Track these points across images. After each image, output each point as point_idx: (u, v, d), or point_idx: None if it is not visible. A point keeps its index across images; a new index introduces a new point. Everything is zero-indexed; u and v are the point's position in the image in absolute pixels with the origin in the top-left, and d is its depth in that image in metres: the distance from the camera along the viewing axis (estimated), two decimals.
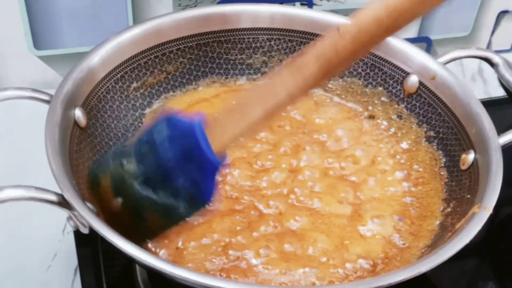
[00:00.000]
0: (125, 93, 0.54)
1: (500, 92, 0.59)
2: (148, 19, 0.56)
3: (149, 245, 0.45)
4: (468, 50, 0.57)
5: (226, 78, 0.60)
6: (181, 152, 0.39)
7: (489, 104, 0.52)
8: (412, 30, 0.81)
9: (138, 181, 0.40)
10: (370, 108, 0.58)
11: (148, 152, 0.40)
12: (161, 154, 0.39)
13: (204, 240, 0.45)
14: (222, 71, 0.60)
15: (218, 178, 0.42)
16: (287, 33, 0.59)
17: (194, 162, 0.39)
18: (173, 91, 0.58)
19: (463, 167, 0.49)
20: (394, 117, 0.57)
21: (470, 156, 0.49)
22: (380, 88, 0.58)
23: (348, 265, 0.45)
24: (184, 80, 0.59)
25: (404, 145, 0.56)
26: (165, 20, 0.56)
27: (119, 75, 0.53)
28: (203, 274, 0.37)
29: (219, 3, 0.62)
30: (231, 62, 0.60)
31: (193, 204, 0.41)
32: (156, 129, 0.40)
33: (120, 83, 0.54)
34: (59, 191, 0.40)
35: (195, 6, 0.70)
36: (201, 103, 0.57)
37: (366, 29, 0.34)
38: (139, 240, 0.41)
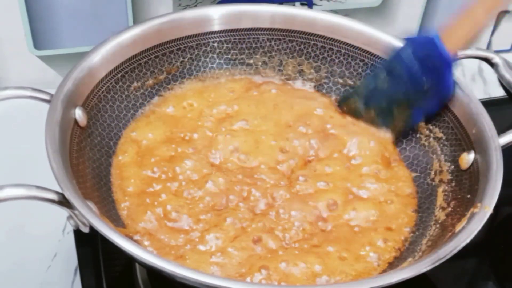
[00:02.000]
0: (126, 92, 0.54)
1: (500, 92, 0.59)
2: (148, 19, 0.56)
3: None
4: (468, 50, 0.57)
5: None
6: (424, 60, 0.51)
7: (489, 104, 0.52)
8: (412, 30, 0.81)
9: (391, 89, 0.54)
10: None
11: (398, 68, 0.53)
12: (409, 67, 0.52)
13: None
14: (222, 71, 0.60)
15: None
16: (287, 33, 0.59)
17: (435, 66, 0.51)
18: (174, 91, 0.58)
19: (463, 167, 0.50)
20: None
21: (470, 156, 0.49)
22: None
23: None
24: (185, 80, 0.59)
25: (404, 145, 0.56)
26: (165, 20, 0.56)
27: (119, 75, 0.53)
28: (203, 273, 0.37)
29: (219, 3, 0.62)
30: (231, 62, 0.60)
31: (441, 99, 0.53)
32: (402, 50, 0.53)
33: (120, 83, 0.54)
34: (59, 190, 0.40)
35: (195, 6, 0.70)
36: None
37: None
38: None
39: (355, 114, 0.56)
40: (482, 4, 0.50)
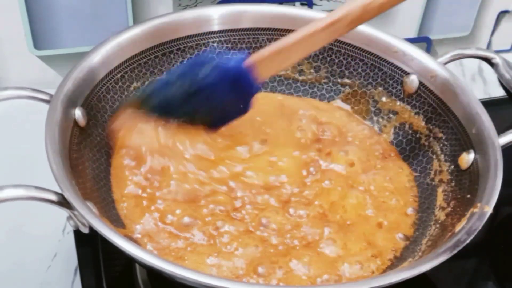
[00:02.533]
0: (125, 93, 0.54)
1: (500, 92, 0.59)
2: (148, 19, 0.56)
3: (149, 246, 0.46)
4: (468, 50, 0.57)
5: None
6: (225, 77, 0.49)
7: (489, 104, 0.52)
8: (412, 30, 0.81)
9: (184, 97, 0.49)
10: (370, 108, 0.58)
11: (195, 76, 0.49)
12: (208, 78, 0.49)
13: None
14: None
15: None
16: (287, 33, 0.59)
17: (236, 87, 0.49)
18: None
19: (463, 167, 0.50)
20: (394, 117, 0.57)
21: (470, 156, 0.49)
22: (380, 88, 0.58)
23: None
24: None
25: (404, 145, 0.56)
26: (165, 20, 0.56)
27: (119, 75, 0.53)
28: (203, 274, 0.37)
29: (219, 3, 0.62)
30: None
31: (232, 115, 0.51)
32: (201, 59, 0.51)
33: (120, 83, 0.54)
34: (59, 191, 0.40)
35: (195, 6, 0.70)
36: None
37: None
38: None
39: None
40: (296, 45, 0.48)
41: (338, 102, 0.60)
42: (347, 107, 0.60)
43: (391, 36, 0.57)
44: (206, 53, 0.55)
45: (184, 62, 0.54)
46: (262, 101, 0.55)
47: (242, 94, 0.50)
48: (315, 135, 0.55)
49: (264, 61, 0.49)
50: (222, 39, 0.59)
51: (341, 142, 0.55)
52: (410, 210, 0.51)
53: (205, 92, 0.49)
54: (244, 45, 0.59)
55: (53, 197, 0.40)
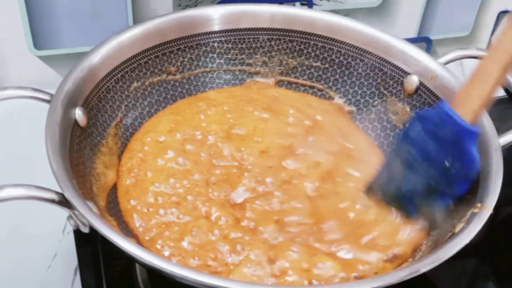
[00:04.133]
0: (126, 92, 0.54)
1: (500, 92, 0.59)
2: (148, 19, 0.56)
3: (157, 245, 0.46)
4: (468, 50, 0.57)
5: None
6: (439, 136, 0.44)
7: None
8: (412, 30, 0.81)
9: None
10: (370, 108, 0.58)
11: (409, 151, 0.46)
12: (423, 147, 0.45)
13: None
14: (222, 71, 0.60)
15: None
16: (287, 33, 0.59)
17: (452, 140, 0.44)
18: (173, 91, 0.58)
19: None
20: (394, 117, 0.57)
21: None
22: (380, 88, 0.58)
23: None
24: (185, 80, 0.59)
25: None
26: (165, 20, 0.56)
27: (119, 75, 0.53)
28: (203, 273, 0.37)
29: (219, 3, 0.62)
30: (231, 62, 0.60)
31: (464, 180, 0.45)
32: (410, 129, 0.46)
33: (120, 83, 0.54)
34: (59, 190, 0.40)
35: (195, 6, 0.70)
36: (203, 101, 0.58)
37: None
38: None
39: (384, 203, 0.49)
40: (493, 59, 0.42)
41: (338, 102, 0.60)
42: (347, 107, 0.60)
43: (391, 36, 0.57)
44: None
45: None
46: None
47: (458, 147, 0.44)
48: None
49: (464, 99, 0.43)
50: (222, 39, 0.59)
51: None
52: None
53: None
54: (244, 45, 0.59)
55: (54, 197, 0.40)
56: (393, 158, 0.48)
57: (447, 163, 0.44)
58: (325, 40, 0.59)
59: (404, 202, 0.47)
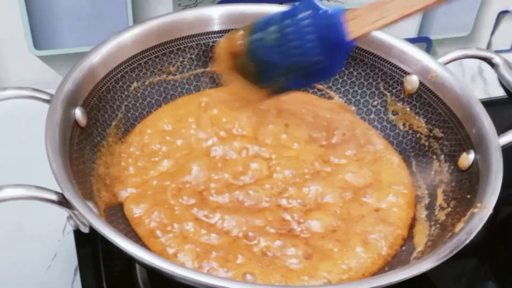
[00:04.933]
0: (126, 92, 0.54)
1: (500, 92, 0.59)
2: (148, 19, 0.56)
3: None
4: (468, 50, 0.57)
5: None
6: (320, 31, 0.47)
7: (489, 104, 0.52)
8: (412, 30, 0.81)
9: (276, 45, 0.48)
10: (370, 108, 0.58)
11: (294, 28, 0.48)
12: (302, 29, 0.47)
13: None
14: None
15: None
16: None
17: (329, 42, 0.47)
18: (173, 91, 0.58)
19: (463, 167, 0.50)
20: (394, 117, 0.57)
21: (470, 156, 0.49)
22: (380, 88, 0.58)
23: None
24: (185, 80, 0.59)
25: (404, 145, 0.56)
26: (165, 20, 0.56)
27: (119, 75, 0.53)
28: (203, 273, 0.37)
29: (219, 3, 0.62)
30: None
31: (322, 74, 0.50)
32: (298, 9, 0.48)
33: (120, 83, 0.54)
34: (59, 191, 0.40)
35: (195, 6, 0.70)
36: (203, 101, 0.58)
37: None
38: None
39: (238, 68, 0.52)
40: (395, 5, 0.45)
41: (337, 101, 0.60)
42: (348, 107, 0.60)
43: (391, 36, 0.57)
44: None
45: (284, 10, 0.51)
46: None
47: (333, 48, 0.47)
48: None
49: (357, 17, 0.46)
50: None
51: (343, 141, 0.55)
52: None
53: (297, 39, 0.47)
54: None
55: (53, 197, 0.40)
56: (273, 25, 0.50)
57: (317, 57, 0.47)
58: None
59: (261, 70, 0.50)
